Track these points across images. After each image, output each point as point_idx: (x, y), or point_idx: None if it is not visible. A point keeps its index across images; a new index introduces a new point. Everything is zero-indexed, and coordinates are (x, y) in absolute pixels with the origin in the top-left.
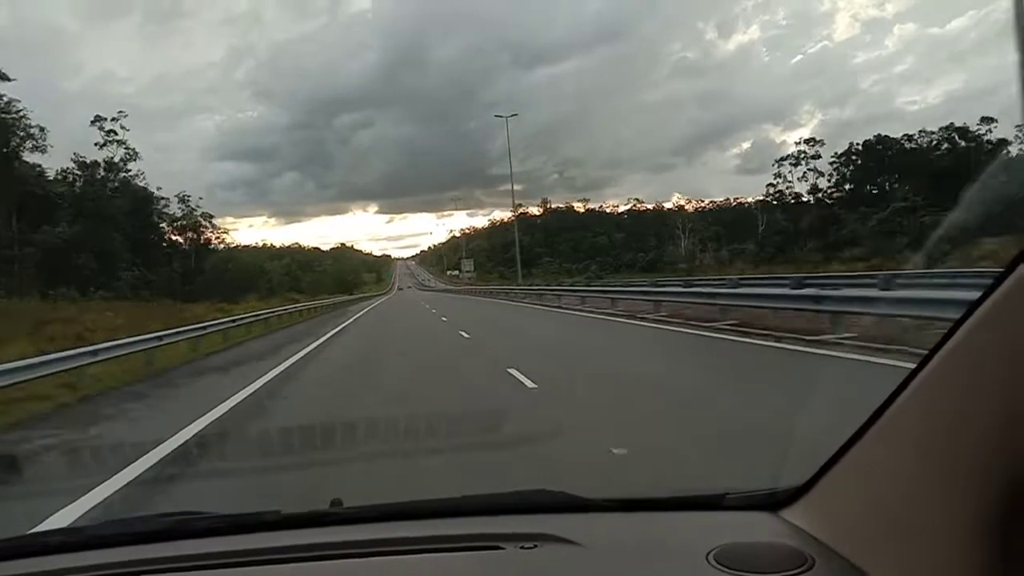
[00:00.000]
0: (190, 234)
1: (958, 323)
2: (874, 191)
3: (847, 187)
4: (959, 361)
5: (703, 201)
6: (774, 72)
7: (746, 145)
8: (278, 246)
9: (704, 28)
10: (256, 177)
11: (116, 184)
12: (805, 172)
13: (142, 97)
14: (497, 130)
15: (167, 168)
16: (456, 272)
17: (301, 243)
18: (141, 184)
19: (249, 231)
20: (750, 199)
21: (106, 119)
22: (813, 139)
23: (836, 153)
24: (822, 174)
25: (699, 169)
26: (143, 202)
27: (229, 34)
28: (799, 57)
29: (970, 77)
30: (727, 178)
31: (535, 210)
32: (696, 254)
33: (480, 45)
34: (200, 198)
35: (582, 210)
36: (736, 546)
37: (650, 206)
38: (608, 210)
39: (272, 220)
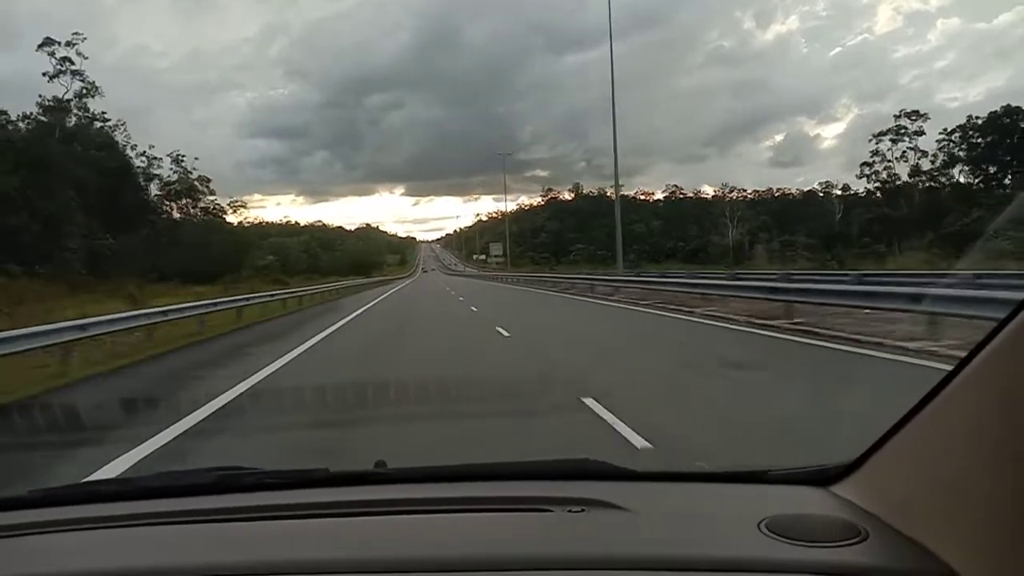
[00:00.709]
0: (185, 201)
1: (1014, 312)
2: (999, 174)
3: (961, 168)
4: (1012, 350)
5: (746, 190)
6: (811, 64)
7: (779, 137)
8: (302, 224)
9: (742, 17)
10: (286, 155)
11: (72, 127)
12: (904, 151)
13: (176, 72)
14: (527, 115)
15: (200, 143)
16: (483, 256)
17: (325, 222)
18: (122, 136)
19: (276, 209)
20: (793, 190)
21: (58, 43)
22: (916, 112)
23: (945, 129)
24: (925, 153)
25: (731, 160)
26: (118, 157)
27: (264, 10)
28: (838, 49)
29: (1015, 74)
30: (759, 170)
31: (567, 195)
32: (744, 245)
33: (513, 28)
34: (196, 158)
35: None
36: (787, 517)
37: (689, 193)
38: (642, 197)
39: (300, 199)
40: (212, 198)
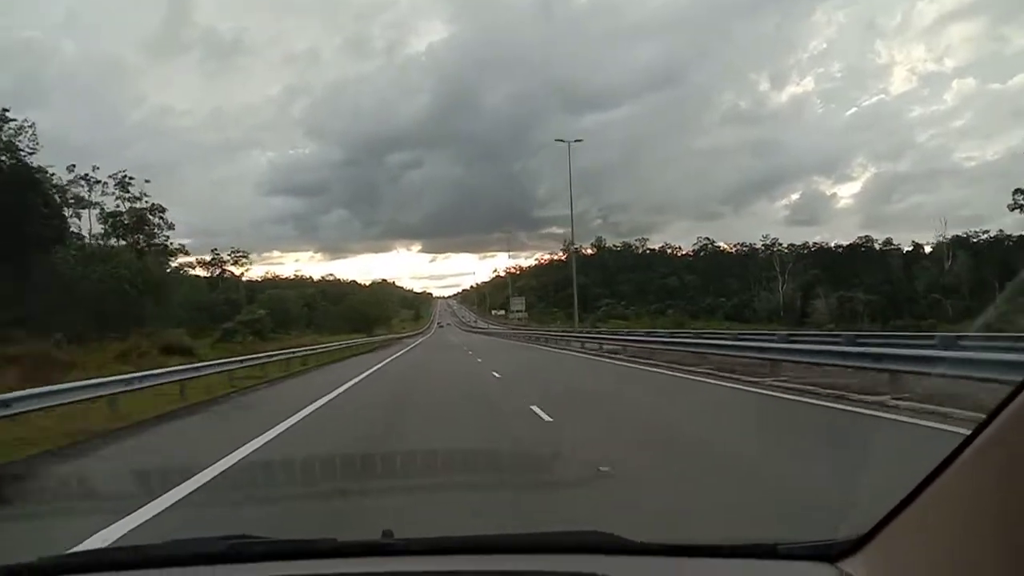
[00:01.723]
0: (138, 237)
1: (1020, 387)
2: None
3: None
4: (1021, 421)
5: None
6: (827, 124)
7: (795, 196)
8: (315, 278)
9: (757, 79)
10: (305, 212)
11: None
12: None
13: (200, 132)
14: (543, 173)
15: (221, 200)
16: (501, 312)
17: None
18: (29, 141)
19: (294, 264)
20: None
21: None
22: None
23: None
24: None
25: (747, 219)
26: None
27: (287, 72)
28: (853, 110)
29: None
30: (776, 228)
31: (588, 249)
32: (797, 301)
33: (531, 90)
34: (147, 180)
35: (641, 249)
36: None
37: (723, 245)
38: (671, 250)
39: (318, 255)
40: (169, 234)
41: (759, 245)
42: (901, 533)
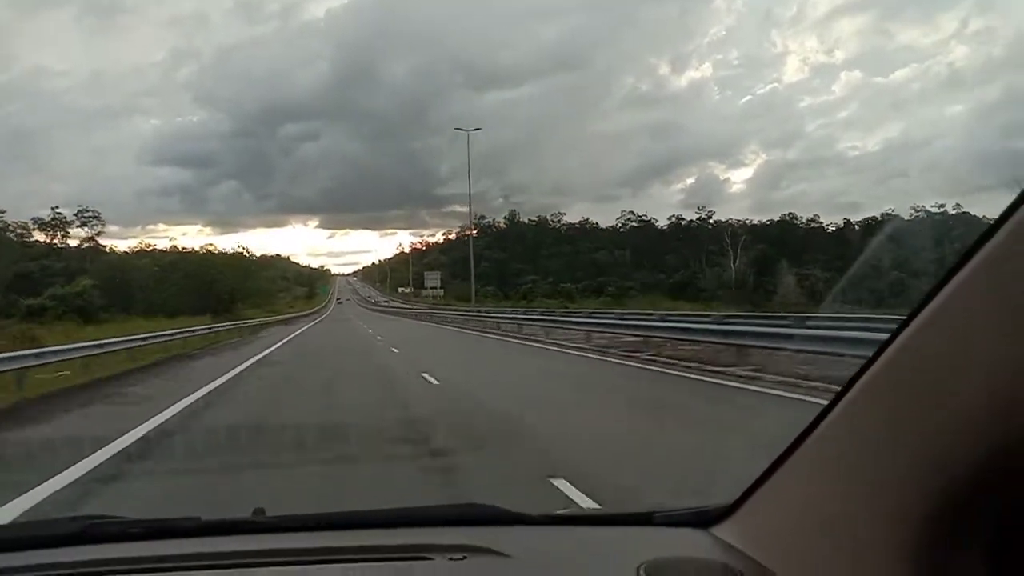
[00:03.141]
0: None
1: (882, 347)
2: None
3: None
4: (883, 385)
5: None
6: (723, 110)
7: (690, 180)
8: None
9: (658, 63)
10: (193, 184)
11: None
12: None
13: (77, 94)
14: (445, 150)
15: (100, 169)
16: (408, 289)
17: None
18: None
19: (184, 239)
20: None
21: None
22: None
23: None
24: None
25: (644, 201)
26: None
27: (173, 34)
28: (748, 97)
29: (907, 127)
30: (671, 212)
31: (501, 223)
32: (750, 277)
33: (434, 64)
34: None
35: (557, 224)
36: (666, 560)
37: (650, 219)
38: (589, 224)
39: (207, 229)
40: None
41: (694, 219)
42: (769, 498)
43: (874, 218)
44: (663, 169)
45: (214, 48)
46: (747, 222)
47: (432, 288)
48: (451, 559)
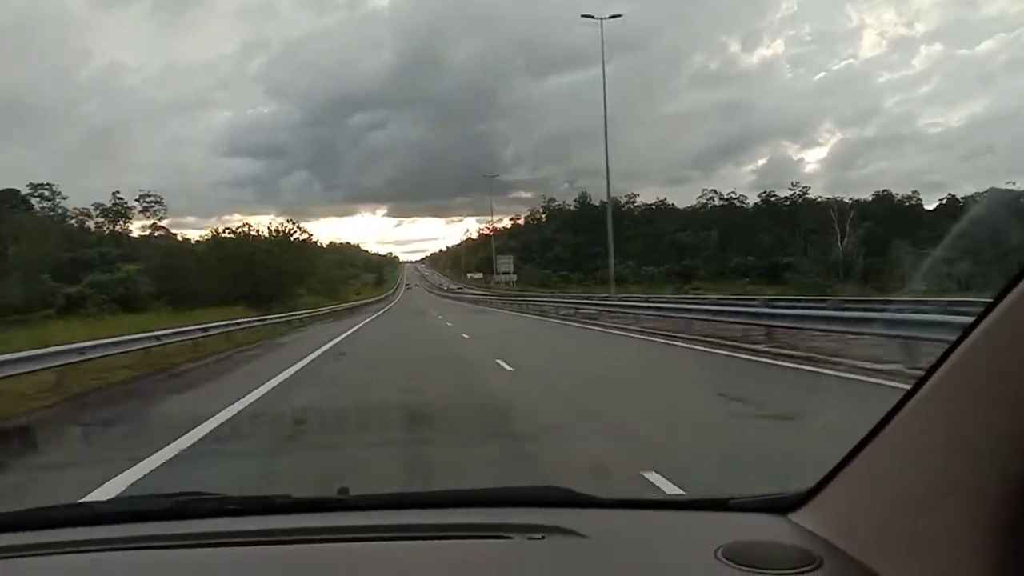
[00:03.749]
0: None
1: (966, 332)
2: None
3: None
4: (968, 368)
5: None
6: (796, 88)
7: (762, 161)
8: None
9: (728, 41)
10: (265, 175)
11: None
12: None
13: (152, 89)
14: (509, 136)
15: (176, 161)
16: (479, 275)
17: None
18: None
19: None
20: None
21: None
22: None
23: None
24: None
25: (716, 183)
26: None
27: (243, 27)
28: (822, 74)
29: (993, 101)
30: (744, 192)
31: (571, 204)
32: (859, 258)
33: (498, 48)
34: None
35: (629, 206)
36: (744, 544)
37: (742, 196)
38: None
39: (279, 219)
40: None
41: (785, 195)
42: (849, 484)
43: (978, 194)
44: (734, 149)
45: (283, 40)
46: (839, 199)
47: (505, 274)
48: (530, 538)
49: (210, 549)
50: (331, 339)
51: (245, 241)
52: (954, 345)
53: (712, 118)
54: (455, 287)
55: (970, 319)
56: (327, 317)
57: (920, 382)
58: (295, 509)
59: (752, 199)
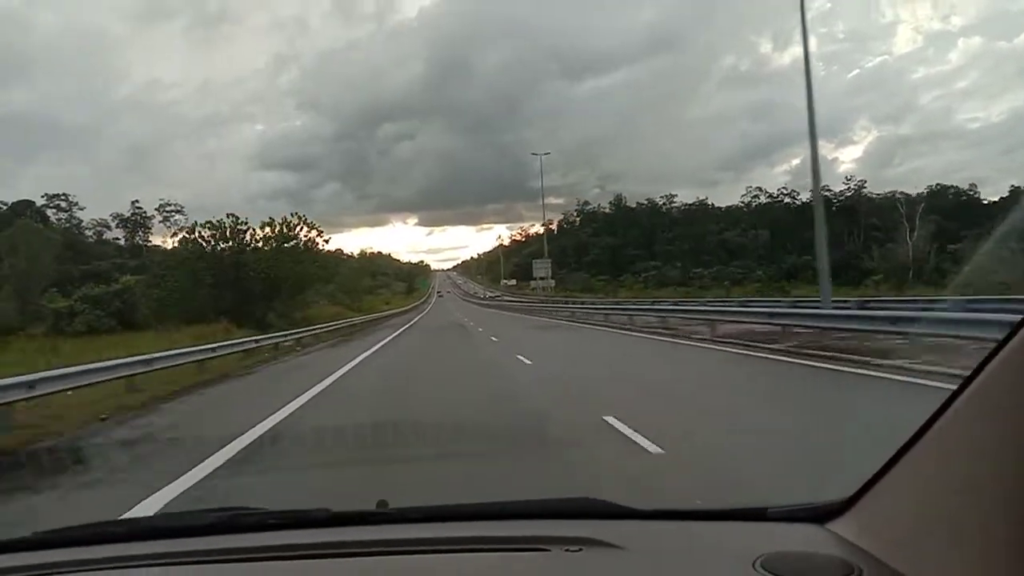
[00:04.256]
0: None
1: (1004, 340)
2: None
3: None
4: (1005, 377)
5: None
6: (829, 86)
7: (796, 161)
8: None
9: (758, 40)
10: (297, 187)
11: None
12: None
13: (188, 105)
14: (539, 143)
15: (212, 177)
16: (512, 282)
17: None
18: None
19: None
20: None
21: None
22: None
23: None
24: None
25: (749, 185)
26: None
27: (274, 41)
28: (856, 71)
29: None
30: (795, 189)
31: (606, 207)
32: (930, 256)
33: (527, 55)
34: None
35: (668, 206)
36: (782, 555)
37: (794, 192)
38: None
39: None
40: None
41: (842, 190)
42: (889, 492)
43: None
44: (767, 150)
45: (314, 53)
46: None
47: (542, 279)
48: (567, 551)
49: (250, 564)
50: (312, 385)
51: (233, 239)
52: (998, 347)
53: (743, 119)
54: (492, 295)
55: None
56: (341, 333)
57: (961, 388)
58: (334, 523)
59: (804, 195)
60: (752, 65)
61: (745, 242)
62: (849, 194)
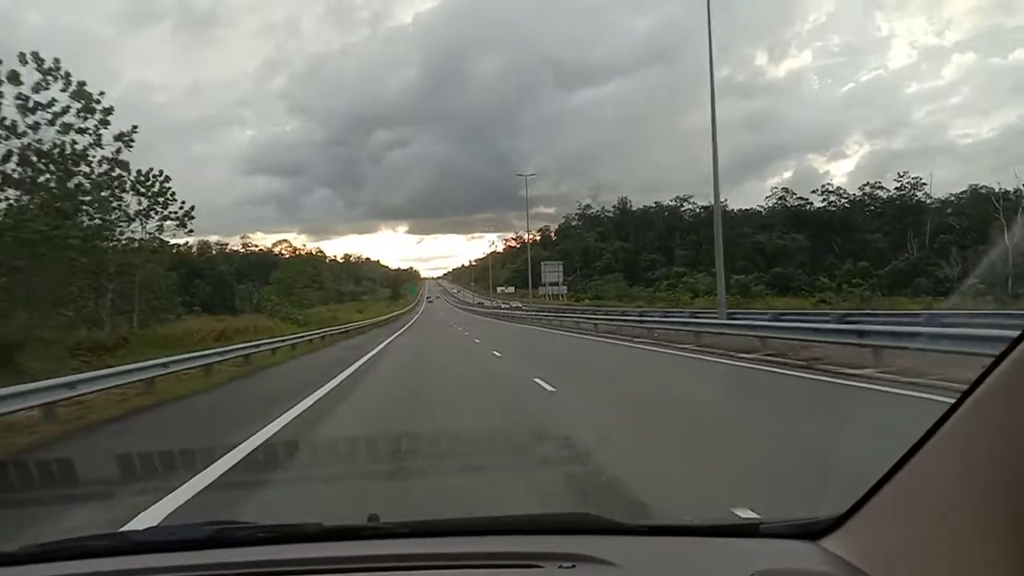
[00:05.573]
0: None
1: (998, 359)
2: None
3: None
4: (1000, 395)
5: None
6: (823, 100)
7: (787, 174)
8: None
9: (754, 53)
10: (287, 192)
11: None
12: None
13: (176, 107)
14: (531, 152)
15: (201, 182)
16: (510, 289)
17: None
18: None
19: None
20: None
21: None
22: None
23: None
24: None
25: (738, 198)
26: None
27: (266, 44)
28: (850, 85)
29: None
30: (841, 186)
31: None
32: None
33: (520, 64)
34: None
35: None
36: (774, 572)
37: (840, 189)
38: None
39: (302, 236)
40: None
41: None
42: (882, 510)
43: None
44: (760, 162)
45: (306, 57)
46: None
47: (553, 285)
48: (560, 567)
49: None
50: None
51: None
52: (991, 366)
53: (736, 131)
54: (501, 305)
55: None
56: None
57: (954, 407)
58: (326, 537)
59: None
60: (747, 77)
61: (783, 245)
62: (905, 192)
